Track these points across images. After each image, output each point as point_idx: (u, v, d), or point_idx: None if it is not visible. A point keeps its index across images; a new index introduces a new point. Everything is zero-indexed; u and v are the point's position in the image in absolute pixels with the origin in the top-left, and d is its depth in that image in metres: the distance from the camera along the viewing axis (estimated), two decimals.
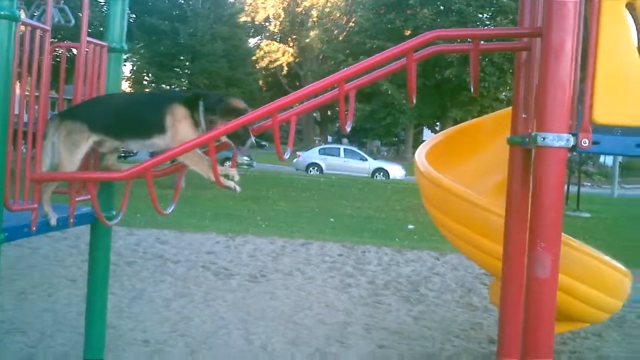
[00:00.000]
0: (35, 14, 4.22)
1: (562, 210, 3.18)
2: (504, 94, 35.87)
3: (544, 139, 3.09)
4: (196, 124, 3.67)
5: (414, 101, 3.82)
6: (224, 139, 3.68)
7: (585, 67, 3.19)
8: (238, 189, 3.74)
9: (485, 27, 31.98)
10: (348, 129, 3.74)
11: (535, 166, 3.18)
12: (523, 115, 3.93)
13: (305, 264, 9.54)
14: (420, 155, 6.08)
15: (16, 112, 3.43)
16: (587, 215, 19.05)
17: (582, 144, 3.14)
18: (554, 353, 3.19)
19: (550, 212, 3.11)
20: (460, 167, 6.27)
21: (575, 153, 3.27)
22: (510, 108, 4.74)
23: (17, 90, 3.47)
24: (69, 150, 3.69)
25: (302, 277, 8.77)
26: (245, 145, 3.67)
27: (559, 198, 3.14)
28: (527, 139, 3.54)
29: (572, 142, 3.10)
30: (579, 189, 20.50)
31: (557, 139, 3.07)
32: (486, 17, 38.13)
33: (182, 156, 3.64)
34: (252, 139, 3.66)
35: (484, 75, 32.40)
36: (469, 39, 3.75)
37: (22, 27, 3.37)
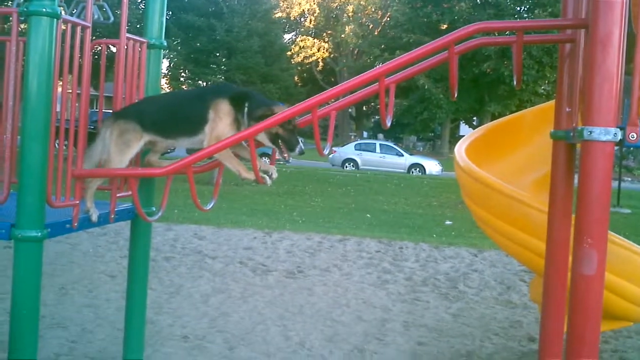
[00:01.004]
0: (74, 11, 4.23)
1: (609, 206, 3.10)
2: (542, 87, 35.40)
3: (590, 132, 3.01)
4: (238, 124, 3.64)
5: (456, 95, 3.76)
6: (270, 144, 3.66)
7: (632, 60, 3.11)
8: (269, 181, 3.73)
9: (525, 20, 31.59)
10: (388, 124, 3.69)
11: (582, 161, 3.10)
12: (567, 109, 3.84)
13: (343, 260, 9.51)
14: (460, 150, 6.01)
15: (57, 109, 3.44)
16: (628, 211, 18.74)
17: (630, 138, 3.07)
18: None
19: (597, 208, 3.04)
20: (500, 162, 6.19)
21: (616, 147, 3.19)
22: (550, 102, 4.66)
23: (59, 88, 3.48)
24: (119, 150, 3.69)
25: (340, 273, 8.74)
26: (294, 151, 3.65)
27: (606, 193, 3.07)
28: (572, 133, 3.46)
29: (619, 136, 3.02)
30: (619, 184, 20.15)
31: (605, 133, 3.00)
32: (524, 10, 37.73)
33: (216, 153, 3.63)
34: (301, 145, 3.64)
35: (523, 69, 31.98)
36: (510, 32, 3.68)
37: (62, 25, 3.38)
